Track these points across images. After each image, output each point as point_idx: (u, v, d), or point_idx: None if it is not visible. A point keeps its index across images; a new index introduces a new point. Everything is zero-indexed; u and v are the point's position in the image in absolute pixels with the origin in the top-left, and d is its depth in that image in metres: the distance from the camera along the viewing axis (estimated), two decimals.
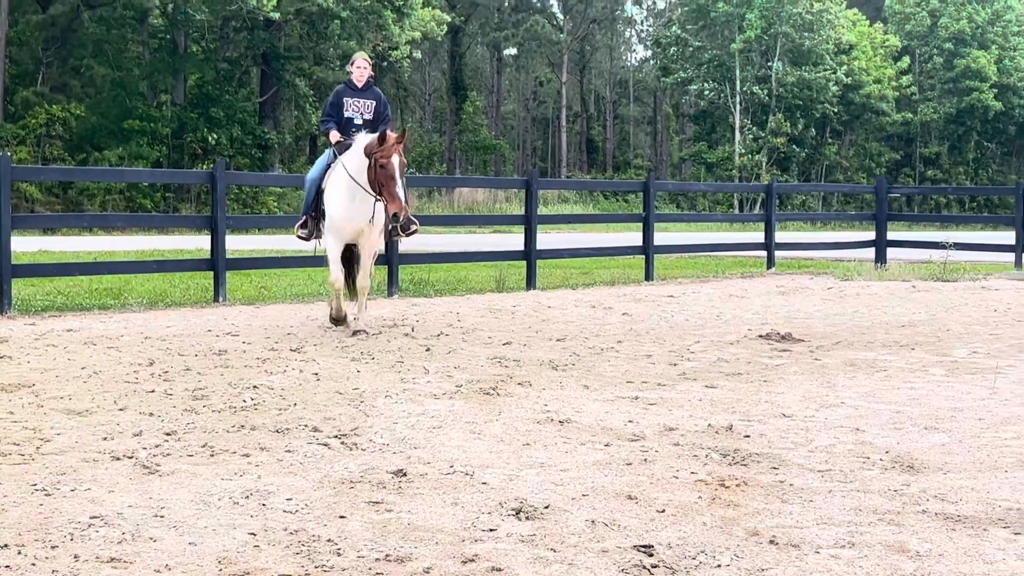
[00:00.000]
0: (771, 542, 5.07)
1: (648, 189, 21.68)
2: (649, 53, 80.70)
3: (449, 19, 58.70)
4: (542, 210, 27.25)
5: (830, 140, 70.01)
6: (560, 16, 75.04)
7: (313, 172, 13.12)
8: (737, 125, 65.95)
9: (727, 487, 6.03)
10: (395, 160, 11.53)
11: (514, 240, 21.00)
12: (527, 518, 5.38)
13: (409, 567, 4.66)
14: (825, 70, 65.02)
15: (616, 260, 23.41)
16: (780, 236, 24.38)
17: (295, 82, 49.12)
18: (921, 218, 32.87)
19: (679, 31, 67.90)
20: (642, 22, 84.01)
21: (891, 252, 24.69)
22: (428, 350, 11.02)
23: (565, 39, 74.02)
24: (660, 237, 22.09)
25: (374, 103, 13.09)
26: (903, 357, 11.10)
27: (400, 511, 5.47)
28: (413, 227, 12.98)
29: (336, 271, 12.40)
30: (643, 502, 5.70)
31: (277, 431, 7.27)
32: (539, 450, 6.85)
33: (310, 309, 14.61)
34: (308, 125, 51.48)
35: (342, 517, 5.35)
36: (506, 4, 71.93)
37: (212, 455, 6.63)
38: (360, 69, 13.06)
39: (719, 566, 4.74)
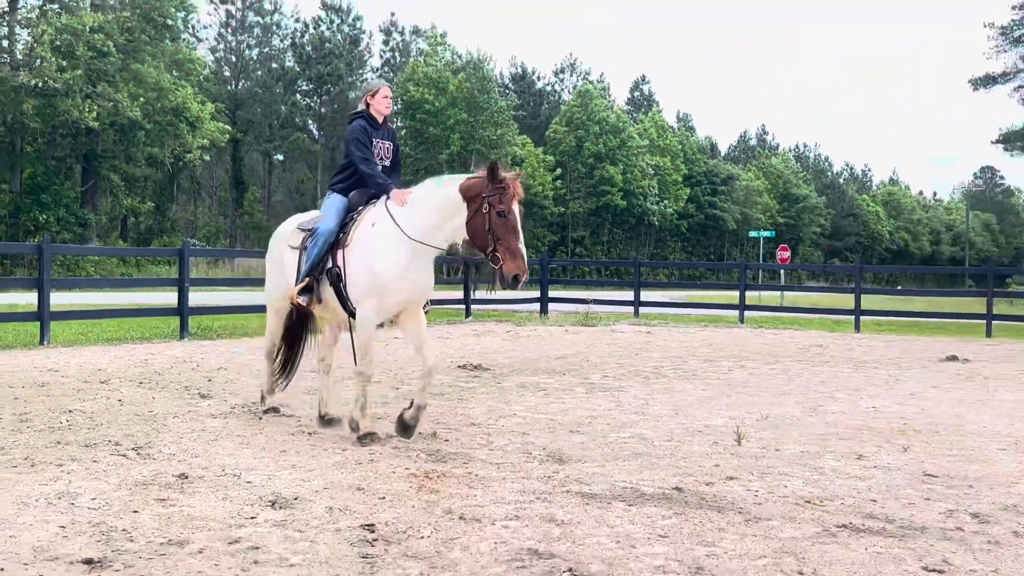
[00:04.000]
0: (460, 518, 5.10)
1: None
2: None
3: (231, 131, 57.35)
4: None
5: None
6: (316, 132, 74.47)
7: (329, 222, 7.50)
8: None
9: (431, 478, 6.03)
10: (516, 208, 6.79)
11: None
12: (280, 507, 5.23)
13: (188, 549, 4.46)
14: None
15: None
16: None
17: (109, 176, 47.08)
18: (572, 282, 34.00)
19: (403, 146, 68.49)
20: None
21: (552, 306, 25.38)
22: (209, 380, 10.59)
23: (319, 149, 73.54)
24: None
25: (391, 145, 7.97)
26: (557, 380, 11.39)
27: (182, 505, 5.22)
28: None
29: (371, 352, 7.35)
30: (369, 492, 5.64)
31: (86, 446, 6.81)
32: (293, 456, 6.68)
33: (117, 350, 13.82)
34: (120, 208, 49.53)
35: (135, 512, 5.07)
36: (276, 122, 70.80)
37: (32, 466, 6.16)
38: (388, 100, 7.89)
39: (423, 537, 4.73)
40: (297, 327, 8.38)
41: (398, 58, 78.82)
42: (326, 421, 7.87)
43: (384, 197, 7.39)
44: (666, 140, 77.66)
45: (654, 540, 4.78)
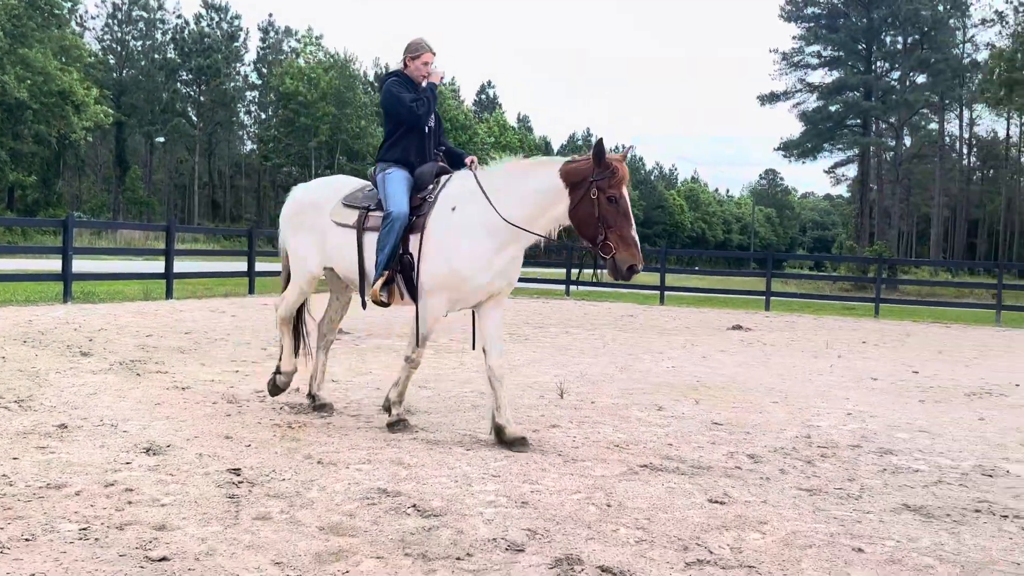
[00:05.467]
0: (319, 462, 5.01)
1: (252, 235, 20.90)
2: (255, 146, 78.26)
3: (115, 114, 54.41)
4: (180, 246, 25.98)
5: None
6: (195, 118, 71.50)
7: (400, 204, 5.83)
8: None
9: (293, 428, 5.90)
10: (626, 192, 5.49)
11: (159, 265, 19.56)
12: (154, 454, 5.01)
13: (65, 491, 4.22)
14: (371, 165, 65.96)
15: (228, 280, 22.36)
16: None
17: None
18: None
19: (276, 133, 66.58)
20: (251, 125, 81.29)
21: None
22: (90, 340, 10.04)
23: (197, 134, 70.68)
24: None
25: (433, 115, 6.30)
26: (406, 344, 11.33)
27: (61, 453, 4.94)
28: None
29: (427, 342, 6.13)
30: (236, 440, 5.47)
31: None
32: (167, 408, 6.41)
33: (2, 312, 12.90)
34: (5, 181, 46.39)
35: (15, 458, 4.77)
36: (157, 108, 67.59)
37: None
38: (428, 69, 6.24)
39: (284, 479, 4.62)
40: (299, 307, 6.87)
41: (272, 56, 76.33)
42: (317, 405, 6.54)
43: (468, 172, 5.94)
44: (508, 138, 77.96)
45: (487, 479, 4.82)
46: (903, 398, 8.60)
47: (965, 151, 76.24)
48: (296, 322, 6.83)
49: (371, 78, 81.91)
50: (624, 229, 5.38)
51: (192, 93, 71.67)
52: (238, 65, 75.05)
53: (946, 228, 72.45)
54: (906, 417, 7.48)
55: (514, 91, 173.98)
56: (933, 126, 66.98)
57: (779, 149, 62.50)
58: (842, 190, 66.47)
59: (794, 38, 62.13)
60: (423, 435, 5.88)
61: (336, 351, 10.05)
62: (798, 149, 61.40)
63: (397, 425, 5.95)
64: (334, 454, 5.22)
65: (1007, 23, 59.83)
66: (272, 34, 78.51)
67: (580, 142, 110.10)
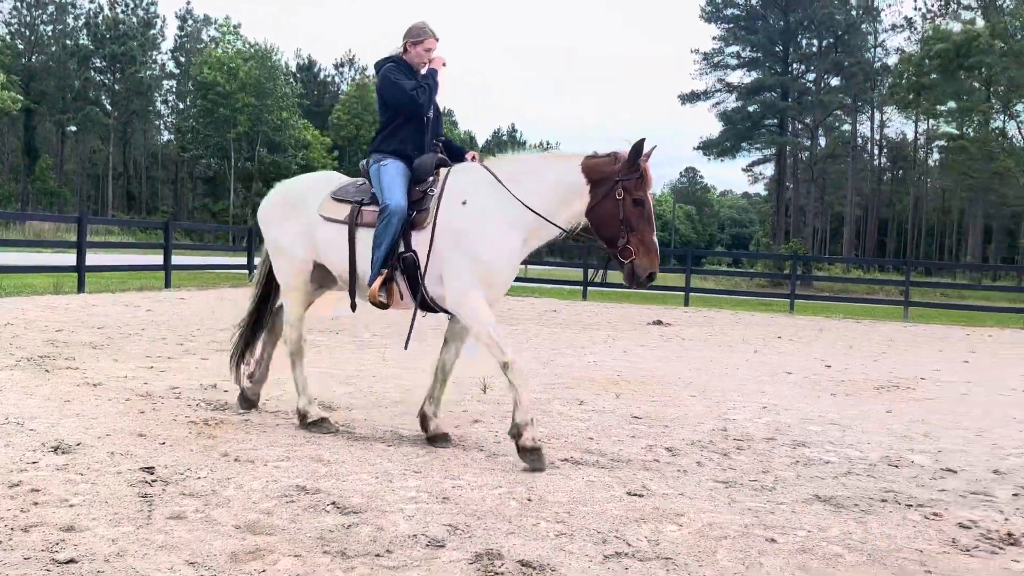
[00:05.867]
0: (236, 459, 4.91)
1: (168, 227, 20.35)
2: (172, 137, 76.30)
3: (23, 100, 52.35)
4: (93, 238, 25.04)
5: None
6: (109, 107, 69.35)
7: (398, 197, 5.41)
8: (232, 187, 64.19)
9: (210, 425, 5.77)
10: (650, 196, 5.22)
11: (70, 258, 18.92)
12: (63, 453, 4.84)
13: None
14: (292, 157, 65.09)
15: (143, 274, 21.75)
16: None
17: None
18: None
19: (195, 123, 65.08)
20: (168, 115, 79.26)
21: None
22: None
23: (112, 123, 68.58)
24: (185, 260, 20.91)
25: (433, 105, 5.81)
26: (331, 338, 11.21)
27: None
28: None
29: (511, 347, 5.36)
30: (150, 438, 5.32)
31: None
32: (77, 405, 6.19)
33: None
34: None
35: None
36: (69, 95, 65.32)
37: None
38: (429, 55, 5.75)
39: (199, 477, 4.52)
40: (262, 308, 6.37)
41: (190, 45, 74.53)
42: (313, 422, 5.81)
43: (474, 164, 5.58)
44: None
45: (409, 475, 4.79)
46: (816, 392, 8.85)
47: (876, 152, 78.80)
48: (254, 324, 6.35)
49: (293, 70, 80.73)
50: (647, 234, 5.11)
51: (106, 81, 69.54)
52: (155, 53, 73.11)
53: (858, 226, 74.79)
54: (818, 410, 7.69)
55: (502, 88, 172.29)
56: (846, 127, 69.10)
57: (699, 148, 63.61)
58: (760, 188, 68.14)
59: (714, 39, 63.36)
60: (344, 431, 5.81)
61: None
62: (717, 148, 62.56)
63: (533, 453, 5.10)
64: (252, 451, 5.12)
65: (915, 29, 62.09)
66: (190, 23, 76.69)
67: (505, 137, 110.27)
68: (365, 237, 5.50)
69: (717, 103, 63.40)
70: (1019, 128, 50.36)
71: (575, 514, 4.22)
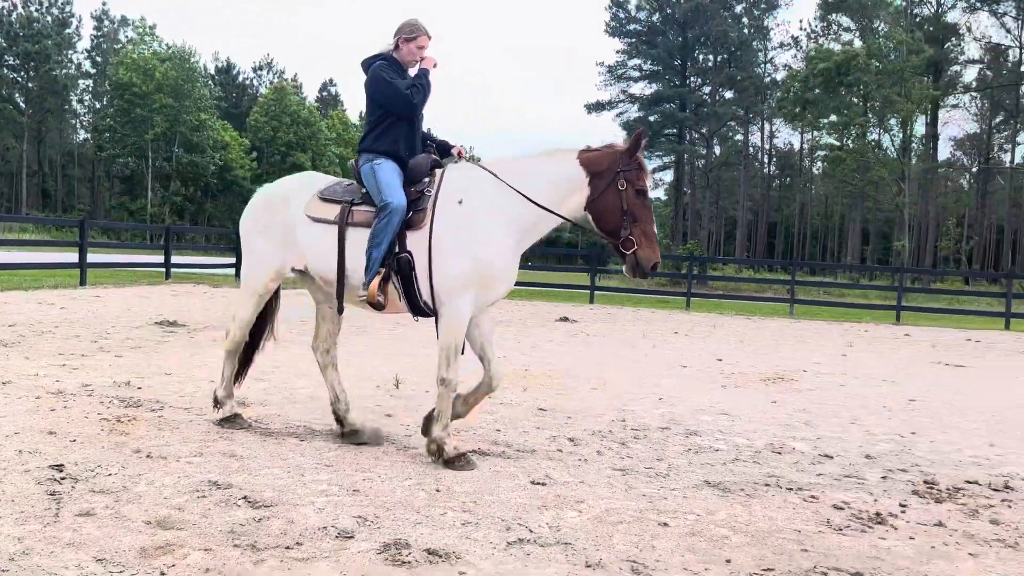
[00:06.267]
0: (148, 456, 4.76)
1: (84, 225, 19.56)
2: (89, 136, 73.47)
3: None
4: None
5: (209, 199, 68.09)
6: (23, 104, 66.38)
7: (398, 196, 5.12)
8: (149, 186, 62.20)
9: (122, 422, 5.57)
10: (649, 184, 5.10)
11: None
12: None
13: None
14: (210, 158, 63.51)
15: (58, 272, 20.81)
16: (177, 259, 23.23)
17: None
18: None
19: (112, 123, 62.84)
20: (85, 114, 76.22)
21: None
22: None
23: (26, 120, 65.67)
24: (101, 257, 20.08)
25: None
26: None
27: None
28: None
29: (457, 371, 5.13)
30: (60, 435, 5.11)
31: None
32: None
33: None
34: None
35: None
36: None
37: None
38: (422, 53, 5.43)
39: (110, 474, 4.36)
40: (264, 314, 5.93)
41: (106, 45, 71.89)
42: (350, 432, 5.48)
43: (468, 163, 5.36)
44: (350, 134, 76.61)
45: (320, 468, 4.72)
46: (708, 384, 9.07)
47: (766, 160, 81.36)
48: (250, 345, 5.95)
49: (212, 72, 78.66)
50: (649, 224, 4.94)
51: (20, 79, 66.49)
52: (70, 53, 70.26)
53: (749, 229, 77.00)
54: (710, 401, 7.89)
55: (502, 88, 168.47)
56: (739, 137, 71.11)
57: None
58: (660, 193, 69.42)
59: (618, 52, 64.31)
60: (257, 427, 5.69)
61: (171, 344, 9.60)
62: None
63: (458, 462, 4.91)
64: (164, 448, 4.97)
65: (801, 48, 64.21)
66: (107, 23, 74.00)
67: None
68: (355, 237, 5.21)
69: (620, 113, 64.42)
70: (892, 141, 52.70)
71: (481, 503, 4.23)
